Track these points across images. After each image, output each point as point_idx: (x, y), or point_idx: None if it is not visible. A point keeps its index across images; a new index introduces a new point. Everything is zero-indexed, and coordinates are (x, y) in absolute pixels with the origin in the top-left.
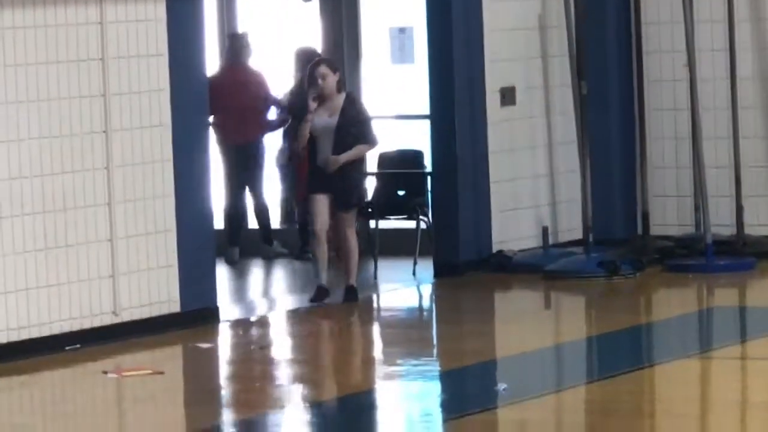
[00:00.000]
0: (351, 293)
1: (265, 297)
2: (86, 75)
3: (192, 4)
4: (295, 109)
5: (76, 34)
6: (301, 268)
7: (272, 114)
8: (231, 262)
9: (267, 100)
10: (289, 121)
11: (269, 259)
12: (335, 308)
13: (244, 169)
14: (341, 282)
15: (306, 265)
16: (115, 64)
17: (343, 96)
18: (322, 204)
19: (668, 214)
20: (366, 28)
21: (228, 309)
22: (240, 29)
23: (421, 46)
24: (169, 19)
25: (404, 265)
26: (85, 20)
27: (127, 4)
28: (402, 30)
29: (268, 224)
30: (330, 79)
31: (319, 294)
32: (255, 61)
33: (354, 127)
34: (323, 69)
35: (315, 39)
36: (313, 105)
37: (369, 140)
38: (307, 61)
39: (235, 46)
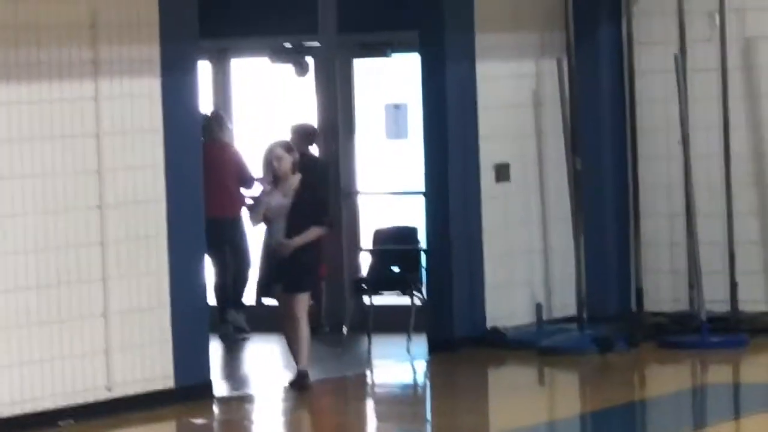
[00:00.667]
0: (302, 379)
1: (259, 373)
2: (81, 150)
3: (187, 80)
4: None
5: (71, 110)
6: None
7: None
8: (224, 337)
9: (243, 177)
10: None
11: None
12: (329, 384)
13: (225, 246)
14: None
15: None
16: (109, 140)
17: (298, 177)
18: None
19: (662, 291)
20: (361, 104)
21: (222, 384)
22: (216, 109)
23: (416, 123)
24: (164, 94)
25: (398, 341)
26: (79, 95)
27: (122, 80)
28: (397, 107)
29: (240, 295)
30: (285, 161)
31: (300, 379)
32: (241, 138)
33: (308, 209)
34: (278, 151)
35: (310, 116)
36: (267, 187)
37: (321, 222)
38: (304, 137)
39: (210, 125)
